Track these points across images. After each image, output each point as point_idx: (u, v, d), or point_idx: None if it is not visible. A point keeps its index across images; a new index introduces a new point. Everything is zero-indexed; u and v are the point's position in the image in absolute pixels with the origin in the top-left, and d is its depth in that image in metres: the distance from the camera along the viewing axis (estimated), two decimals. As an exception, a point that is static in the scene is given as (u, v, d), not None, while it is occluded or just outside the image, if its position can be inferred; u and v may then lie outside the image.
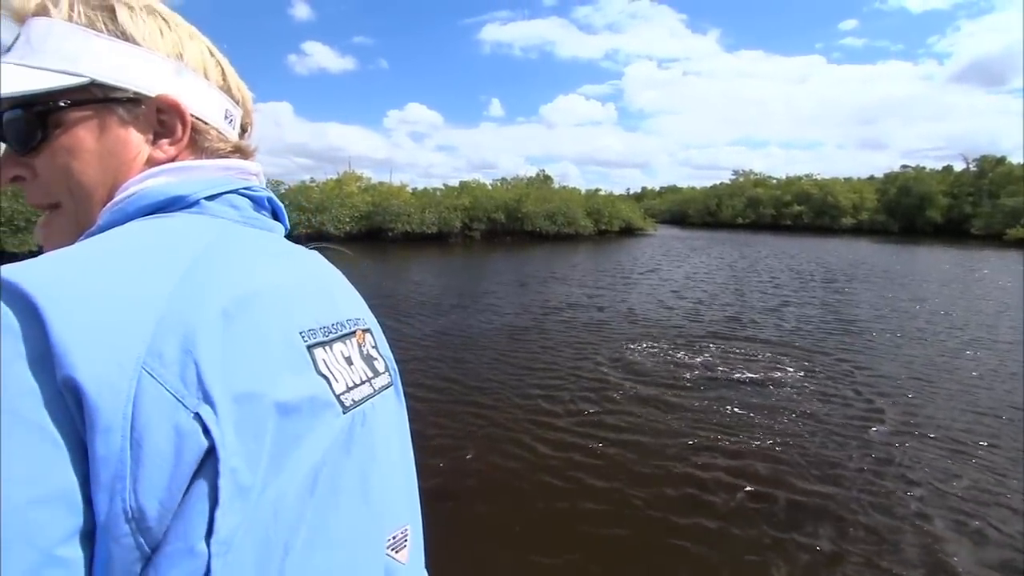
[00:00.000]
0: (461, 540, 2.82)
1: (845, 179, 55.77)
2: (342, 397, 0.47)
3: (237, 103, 0.58)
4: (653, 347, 6.61)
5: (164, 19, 0.51)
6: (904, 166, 50.76)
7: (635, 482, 3.42)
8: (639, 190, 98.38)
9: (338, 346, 0.49)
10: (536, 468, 3.56)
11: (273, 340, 0.42)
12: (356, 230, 22.75)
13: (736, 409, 4.60)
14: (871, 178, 55.98)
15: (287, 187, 24.70)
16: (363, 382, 0.51)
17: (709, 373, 5.58)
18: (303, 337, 0.45)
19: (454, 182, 32.56)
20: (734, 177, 63.04)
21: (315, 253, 0.59)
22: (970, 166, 46.21)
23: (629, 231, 34.73)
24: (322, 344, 0.47)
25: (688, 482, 3.43)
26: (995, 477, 3.54)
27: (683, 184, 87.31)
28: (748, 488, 3.36)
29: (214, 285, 0.40)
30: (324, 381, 0.45)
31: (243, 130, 0.61)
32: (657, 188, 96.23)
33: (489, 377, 5.36)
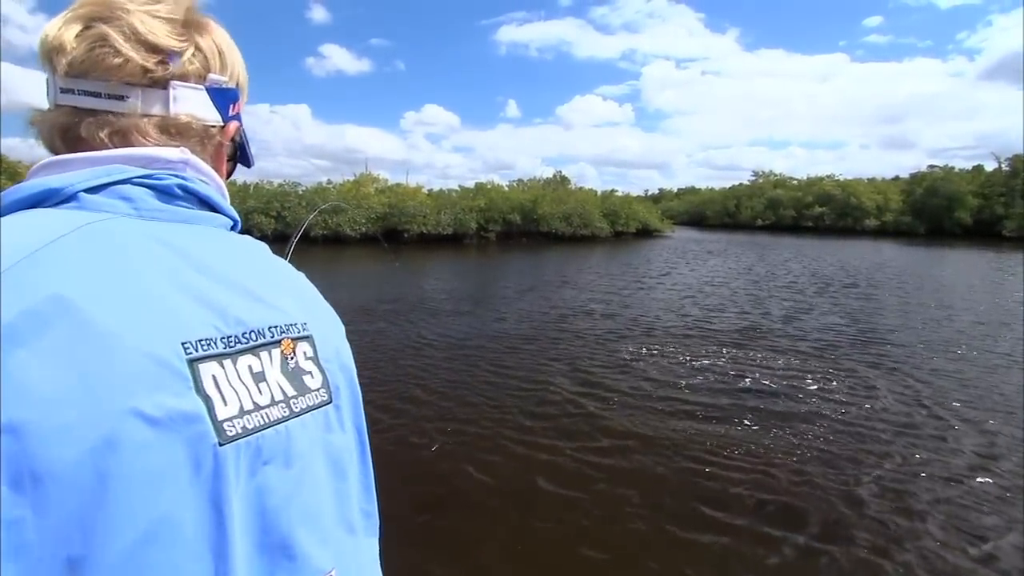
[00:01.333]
0: (459, 553, 2.75)
1: (869, 179, 54.60)
2: (226, 424, 0.39)
3: (124, 80, 0.46)
4: (664, 357, 6.46)
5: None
6: (931, 166, 49.56)
7: (642, 497, 3.31)
8: (657, 191, 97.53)
9: (246, 359, 0.42)
10: (538, 481, 3.46)
11: (116, 354, 0.35)
12: (372, 231, 22.89)
13: (748, 423, 4.44)
14: (896, 178, 54.66)
15: (304, 188, 25.00)
16: (275, 403, 0.43)
17: (722, 385, 5.42)
18: (186, 348, 0.38)
19: (470, 183, 32.64)
20: (754, 178, 62.16)
21: (259, 247, 0.51)
22: (1002, 165, 44.76)
23: (646, 232, 34.39)
24: (219, 356, 0.40)
25: (697, 497, 3.32)
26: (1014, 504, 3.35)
27: (702, 185, 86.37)
28: (757, 504, 3.23)
29: (27, 289, 0.34)
30: (203, 403, 0.38)
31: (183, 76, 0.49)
32: (675, 189, 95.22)
33: (489, 387, 5.28)
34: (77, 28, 0.45)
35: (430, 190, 29.93)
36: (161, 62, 0.47)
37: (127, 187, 0.44)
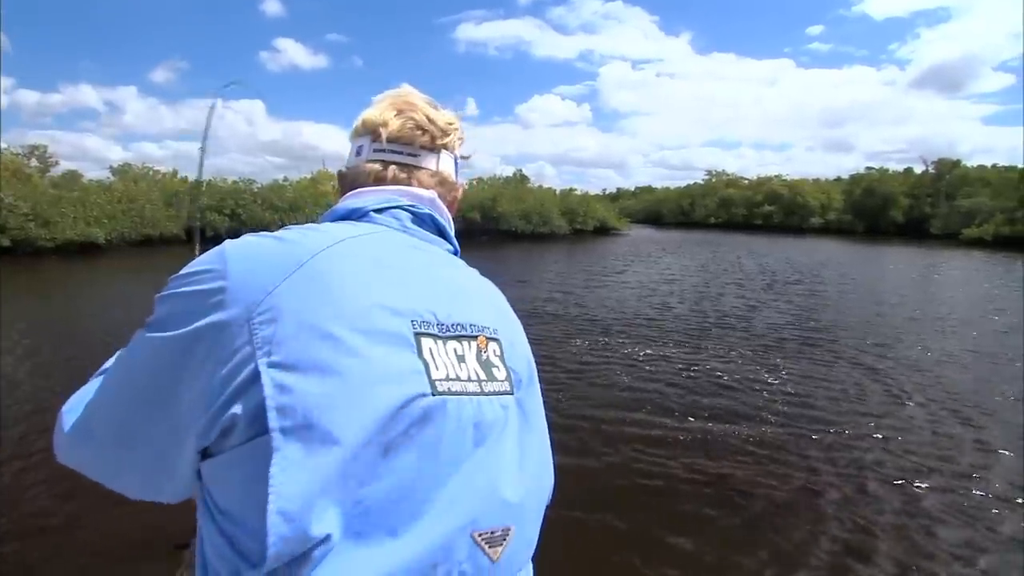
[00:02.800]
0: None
1: (814, 180, 57.46)
2: (437, 382, 0.52)
3: (422, 147, 0.73)
4: (619, 354, 6.74)
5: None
6: (868, 168, 52.52)
7: (592, 500, 3.45)
8: (615, 190, 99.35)
9: (452, 343, 0.56)
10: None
11: (366, 304, 0.52)
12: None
13: (702, 415, 4.75)
14: (838, 179, 57.71)
15: (260, 186, 24.34)
16: (471, 380, 0.56)
17: (678, 381, 5.72)
18: (414, 324, 0.53)
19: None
20: (707, 178, 64.23)
21: (469, 269, 0.71)
22: (929, 168, 48.03)
23: (604, 230, 35.16)
24: (434, 336, 0.55)
25: (648, 492, 3.54)
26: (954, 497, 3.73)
27: (658, 185, 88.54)
28: (713, 494, 3.48)
29: (313, 260, 0.52)
30: (418, 361, 0.52)
31: (438, 149, 0.75)
32: (632, 188, 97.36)
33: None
34: (393, 113, 0.72)
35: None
36: (441, 137, 0.74)
37: (398, 211, 0.67)
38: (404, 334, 0.52)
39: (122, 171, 26.01)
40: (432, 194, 0.71)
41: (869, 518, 3.20)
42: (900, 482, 3.61)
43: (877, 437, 4.30)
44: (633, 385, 5.39)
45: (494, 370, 0.59)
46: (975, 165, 46.58)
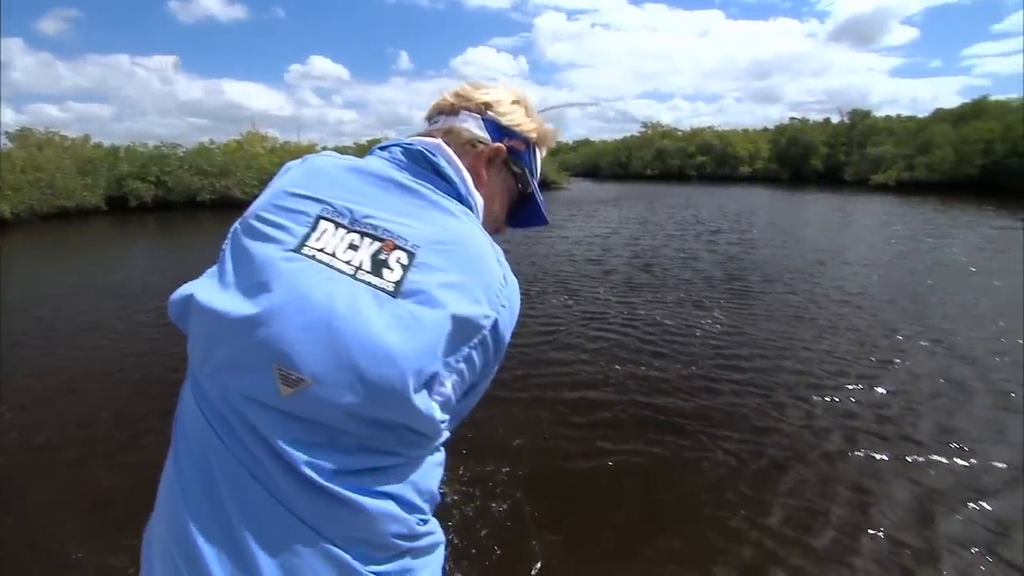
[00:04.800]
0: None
1: (743, 130, 59.66)
2: (305, 247, 0.64)
3: (440, 112, 0.89)
4: (550, 305, 7.08)
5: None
6: (792, 118, 54.94)
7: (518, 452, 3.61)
8: (554, 144, 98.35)
9: (352, 235, 0.66)
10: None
11: (292, 191, 0.70)
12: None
13: (639, 362, 5.04)
14: (765, 130, 60.11)
15: (185, 150, 22.92)
16: (347, 263, 0.63)
17: (612, 330, 6.17)
18: (323, 209, 0.67)
19: (366, 140, 31.39)
20: (643, 130, 65.23)
21: (438, 202, 0.72)
22: (844, 119, 50.95)
23: (544, 185, 35.51)
24: (337, 224, 0.66)
25: (568, 453, 3.66)
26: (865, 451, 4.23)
27: (595, 138, 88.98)
28: (650, 430, 3.74)
29: (291, 167, 0.75)
30: (304, 232, 0.65)
31: (444, 115, 0.88)
32: (571, 142, 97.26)
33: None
34: (441, 97, 0.89)
35: (325, 148, 28.65)
36: (461, 103, 0.86)
37: (395, 148, 0.79)
38: (309, 213, 0.67)
39: (21, 136, 23.64)
40: (436, 141, 0.81)
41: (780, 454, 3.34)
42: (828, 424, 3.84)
43: (797, 367, 4.66)
44: (573, 342, 5.58)
45: (385, 270, 0.63)
46: (883, 115, 49.84)
